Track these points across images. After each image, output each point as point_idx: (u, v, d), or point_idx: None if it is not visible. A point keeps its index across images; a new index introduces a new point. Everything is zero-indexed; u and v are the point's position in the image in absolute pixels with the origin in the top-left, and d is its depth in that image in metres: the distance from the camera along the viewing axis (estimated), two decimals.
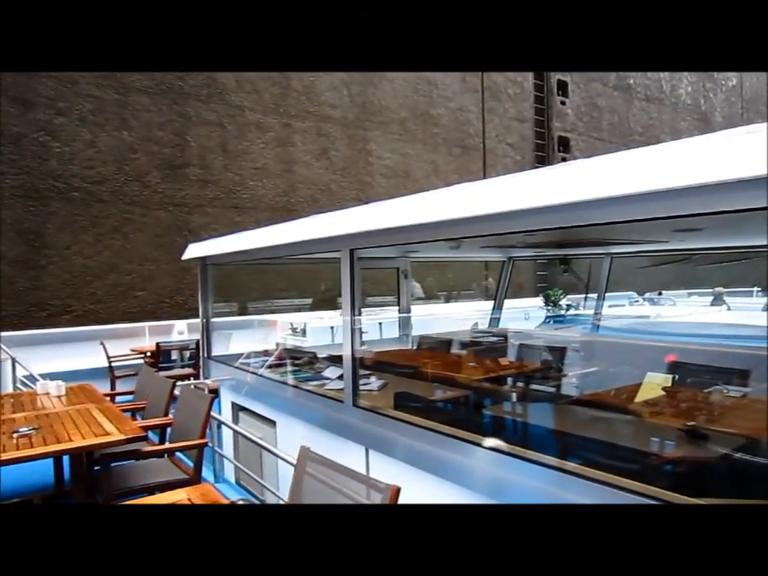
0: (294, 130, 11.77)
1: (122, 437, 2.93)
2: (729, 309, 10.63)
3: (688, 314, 10.89)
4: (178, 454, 3.66)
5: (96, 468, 3.35)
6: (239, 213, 10.99)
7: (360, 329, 6.67)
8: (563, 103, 17.84)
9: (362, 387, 4.15)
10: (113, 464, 3.33)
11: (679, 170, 1.59)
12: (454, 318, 10.04)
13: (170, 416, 3.84)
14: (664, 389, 3.84)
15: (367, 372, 4.76)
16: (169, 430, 3.77)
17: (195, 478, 3.22)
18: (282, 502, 3.55)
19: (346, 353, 3.43)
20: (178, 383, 4.96)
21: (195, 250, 5.57)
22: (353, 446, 3.38)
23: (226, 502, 2.09)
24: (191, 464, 3.42)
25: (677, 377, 4.16)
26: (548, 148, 16.90)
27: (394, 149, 13.08)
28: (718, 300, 12.05)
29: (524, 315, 10.68)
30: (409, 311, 6.80)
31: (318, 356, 5.41)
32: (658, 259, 6.03)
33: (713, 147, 1.53)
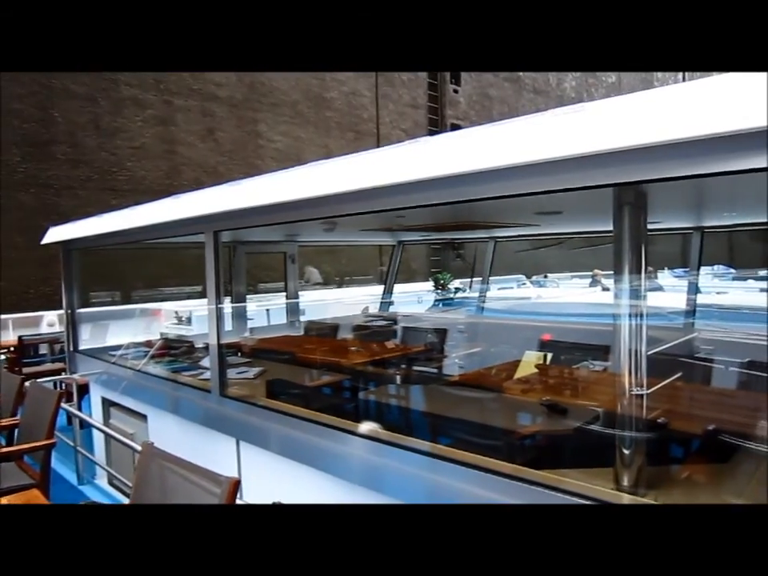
0: (176, 108, 11.11)
1: None
2: (603, 290, 11.41)
3: (566, 294, 11.56)
4: (28, 457, 3.31)
5: None
6: (115, 195, 10.23)
7: (245, 315, 6.47)
8: (456, 91, 18.26)
9: (237, 375, 3.98)
10: None
11: (535, 144, 1.57)
12: (347, 302, 10.00)
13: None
14: (537, 366, 3.99)
15: (247, 360, 4.60)
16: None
17: (42, 484, 2.91)
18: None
19: (212, 341, 3.24)
20: (43, 380, 4.53)
21: (56, 234, 5.09)
22: (224, 439, 3.22)
23: None
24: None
25: (551, 354, 4.34)
26: None
27: (285, 131, 12.74)
28: (594, 282, 12.95)
29: (417, 299, 10.87)
30: (297, 297, 6.66)
31: (197, 345, 5.15)
32: (534, 243, 6.29)
33: (562, 124, 1.53)
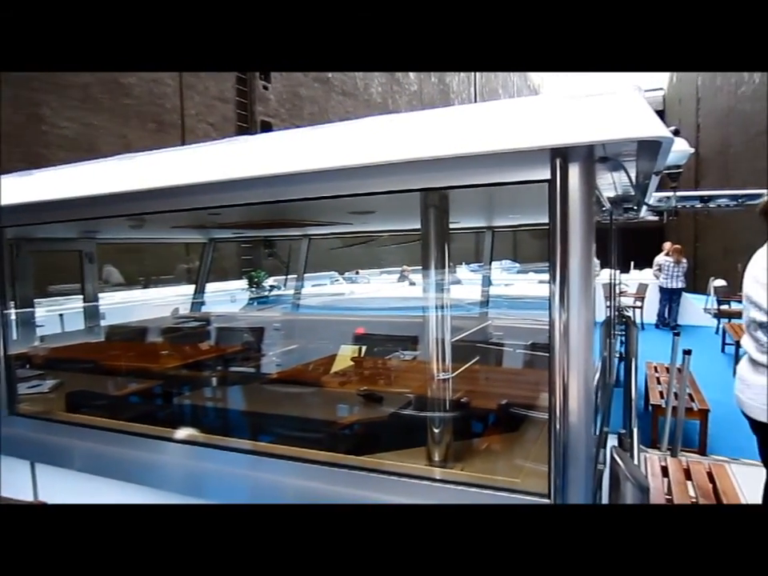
0: None
1: None
2: (411, 284, 12.22)
3: (377, 290, 12.16)
4: None
5: None
6: None
7: (33, 322, 5.74)
8: (266, 88, 18.02)
9: (28, 390, 3.55)
10: None
11: (350, 149, 1.65)
12: (155, 304, 9.37)
13: None
14: (352, 359, 4.18)
15: (39, 372, 4.10)
16: None
17: None
18: None
19: None
20: None
21: None
22: (14, 463, 2.85)
23: None
24: None
25: (365, 347, 4.56)
26: (251, 132, 16.93)
27: (73, 117, 11.43)
28: (402, 277, 13.81)
29: (231, 298, 10.58)
30: (96, 300, 6.07)
31: None
32: (348, 240, 6.52)
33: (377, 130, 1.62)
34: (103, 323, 6.25)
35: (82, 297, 5.97)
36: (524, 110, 1.34)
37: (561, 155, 1.34)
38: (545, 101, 1.32)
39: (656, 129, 1.16)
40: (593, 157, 1.38)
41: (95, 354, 4.84)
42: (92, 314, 6.16)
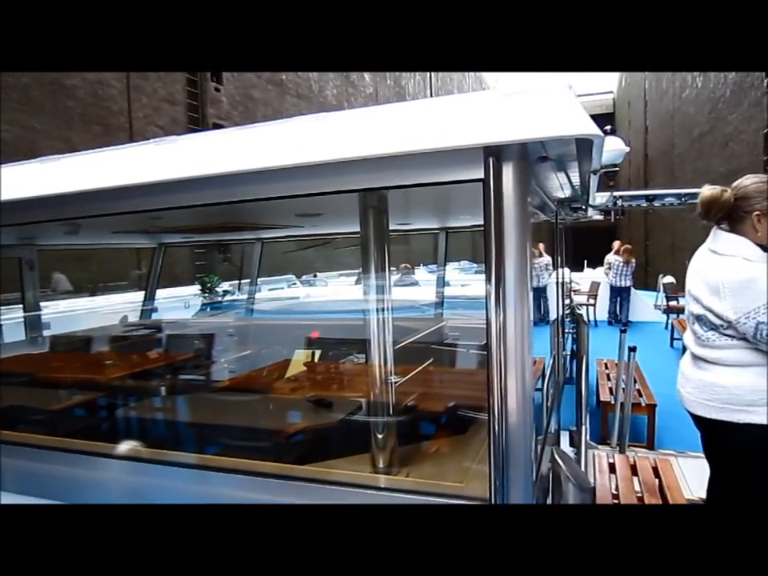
0: None
1: None
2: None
3: (335, 292, 12.11)
4: None
5: None
6: None
7: None
8: (218, 90, 17.74)
9: None
10: None
11: (290, 149, 1.59)
12: (102, 312, 9.07)
13: None
14: (305, 364, 4.11)
15: None
16: None
17: None
18: None
19: None
20: None
21: None
22: None
23: None
24: None
25: (320, 351, 4.49)
26: None
27: (13, 120, 10.98)
28: (360, 279, 13.78)
29: (184, 304, 10.36)
30: (38, 309, 5.82)
31: None
32: (301, 244, 6.45)
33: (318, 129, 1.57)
34: (47, 333, 6.00)
35: (22, 306, 5.71)
36: (456, 107, 1.32)
37: (493, 154, 1.32)
38: (477, 98, 1.30)
39: (585, 127, 1.15)
40: (527, 156, 1.37)
41: (36, 367, 4.62)
42: (34, 323, 5.90)
